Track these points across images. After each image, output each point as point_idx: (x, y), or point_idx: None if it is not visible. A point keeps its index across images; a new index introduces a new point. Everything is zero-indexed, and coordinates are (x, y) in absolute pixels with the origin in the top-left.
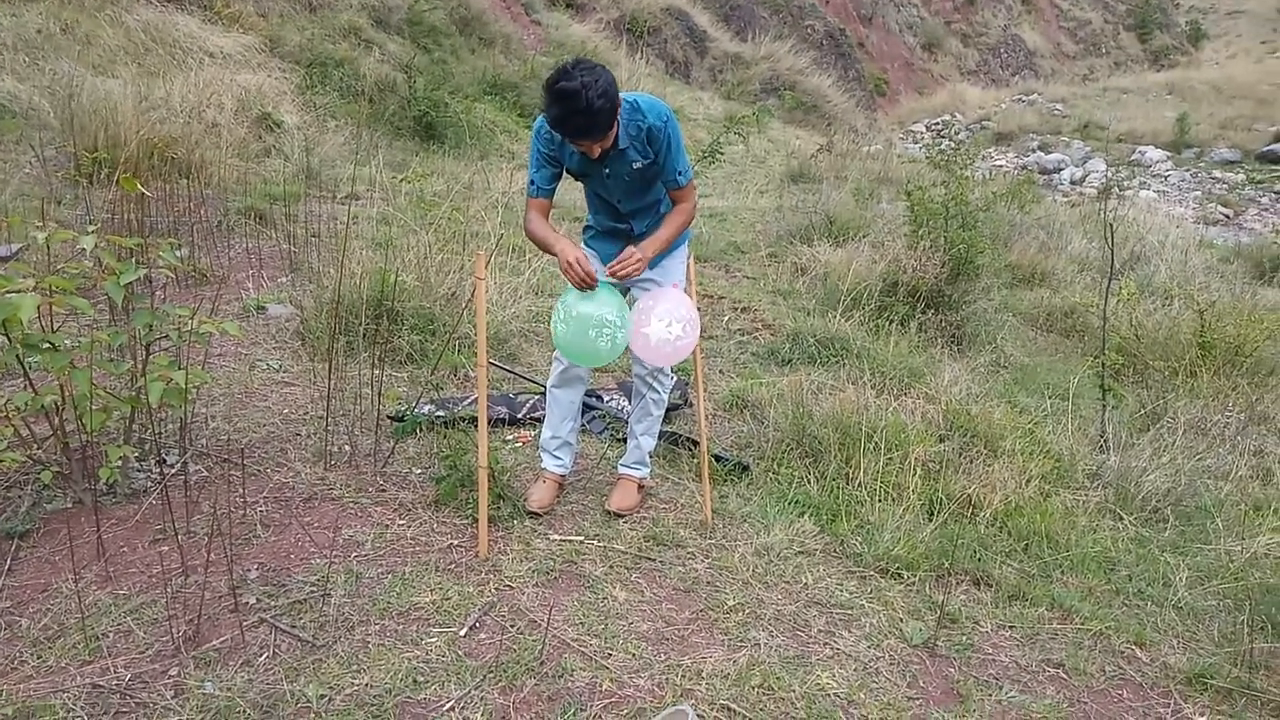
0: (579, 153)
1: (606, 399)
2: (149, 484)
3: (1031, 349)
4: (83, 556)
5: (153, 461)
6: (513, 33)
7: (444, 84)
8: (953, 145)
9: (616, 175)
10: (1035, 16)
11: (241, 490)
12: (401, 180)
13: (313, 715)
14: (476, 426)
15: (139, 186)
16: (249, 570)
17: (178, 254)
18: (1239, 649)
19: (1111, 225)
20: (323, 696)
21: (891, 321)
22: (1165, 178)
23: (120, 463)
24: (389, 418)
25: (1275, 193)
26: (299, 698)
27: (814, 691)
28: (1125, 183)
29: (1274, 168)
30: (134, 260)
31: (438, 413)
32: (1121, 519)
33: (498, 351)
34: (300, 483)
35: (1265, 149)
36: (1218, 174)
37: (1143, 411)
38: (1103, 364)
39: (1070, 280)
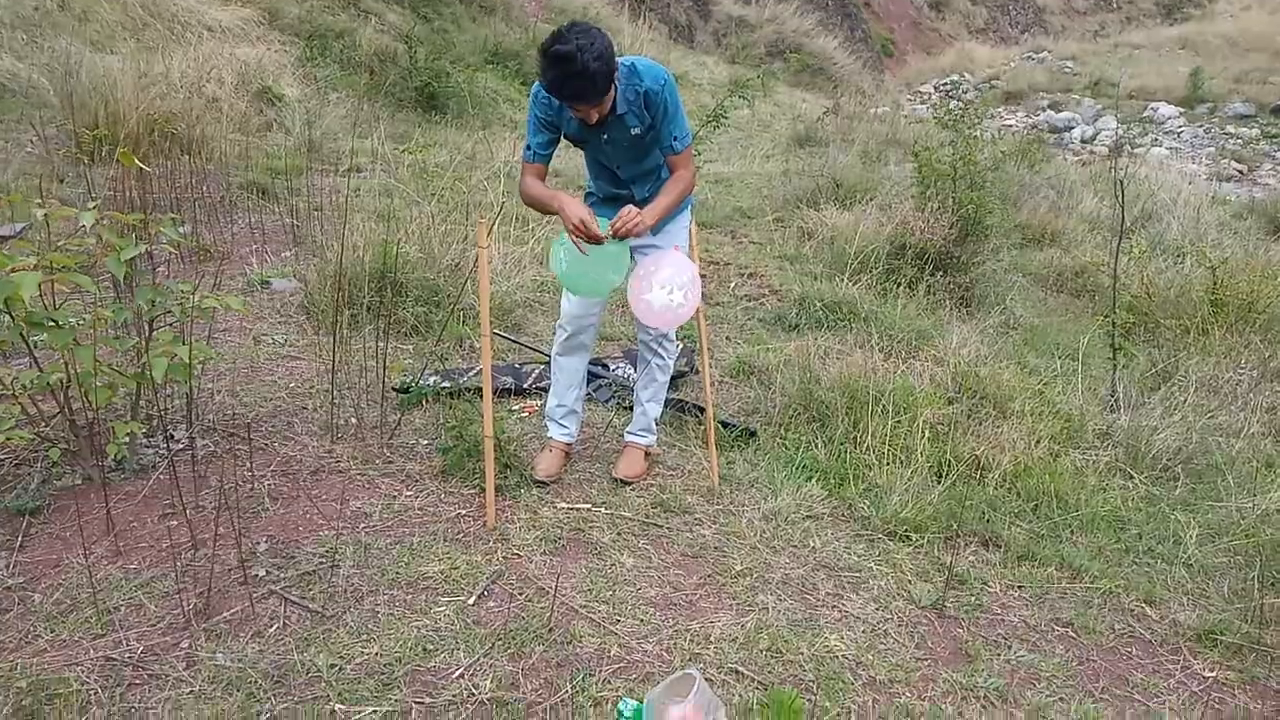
0: (577, 118)
1: (612, 367)
2: (156, 459)
3: (1041, 309)
4: (93, 532)
5: (160, 437)
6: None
7: (445, 53)
8: (961, 105)
9: (615, 141)
10: None
11: (249, 464)
12: (404, 152)
13: (323, 684)
14: (482, 397)
15: (137, 161)
16: (258, 543)
17: (180, 230)
18: (1249, 605)
19: (1122, 183)
20: (333, 666)
21: (899, 284)
22: (1178, 134)
23: (127, 439)
24: (395, 390)
25: None
26: (309, 667)
27: (822, 653)
28: (1137, 140)
29: None
30: (135, 236)
31: (443, 384)
32: (1132, 478)
33: (502, 321)
34: (307, 456)
35: None
36: (1231, 129)
37: (1154, 370)
38: (1113, 323)
39: (1081, 240)
